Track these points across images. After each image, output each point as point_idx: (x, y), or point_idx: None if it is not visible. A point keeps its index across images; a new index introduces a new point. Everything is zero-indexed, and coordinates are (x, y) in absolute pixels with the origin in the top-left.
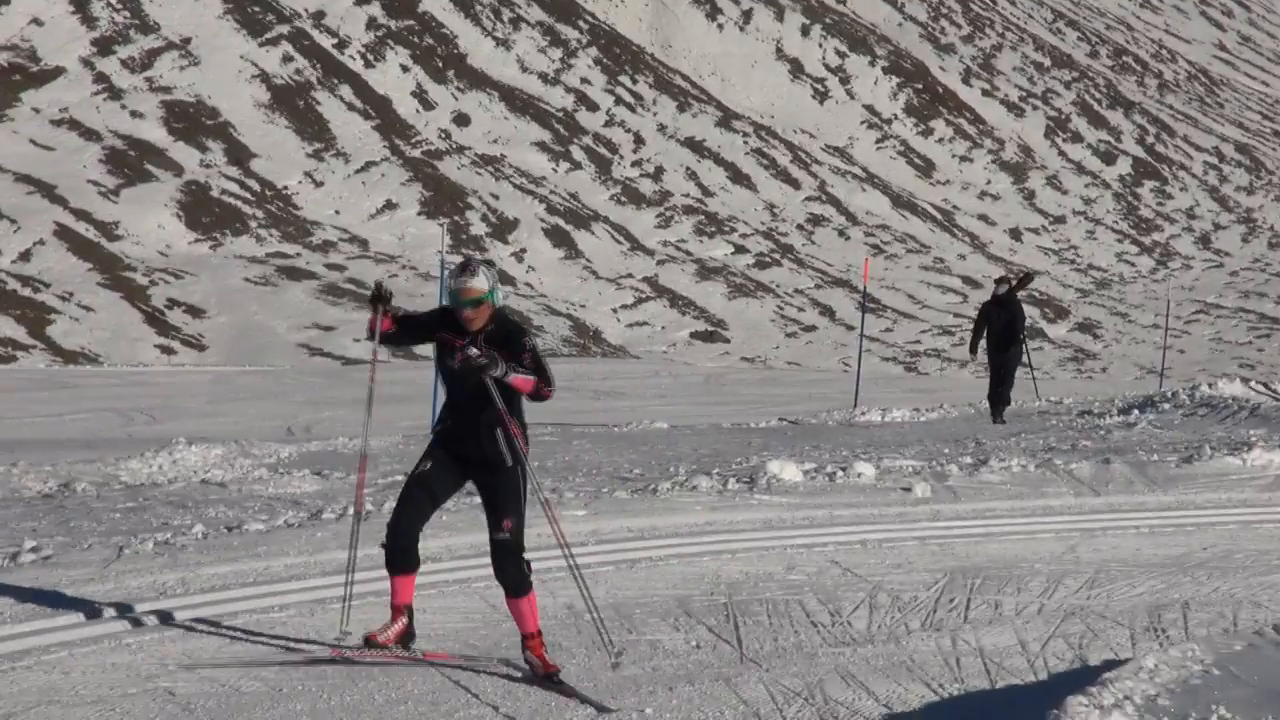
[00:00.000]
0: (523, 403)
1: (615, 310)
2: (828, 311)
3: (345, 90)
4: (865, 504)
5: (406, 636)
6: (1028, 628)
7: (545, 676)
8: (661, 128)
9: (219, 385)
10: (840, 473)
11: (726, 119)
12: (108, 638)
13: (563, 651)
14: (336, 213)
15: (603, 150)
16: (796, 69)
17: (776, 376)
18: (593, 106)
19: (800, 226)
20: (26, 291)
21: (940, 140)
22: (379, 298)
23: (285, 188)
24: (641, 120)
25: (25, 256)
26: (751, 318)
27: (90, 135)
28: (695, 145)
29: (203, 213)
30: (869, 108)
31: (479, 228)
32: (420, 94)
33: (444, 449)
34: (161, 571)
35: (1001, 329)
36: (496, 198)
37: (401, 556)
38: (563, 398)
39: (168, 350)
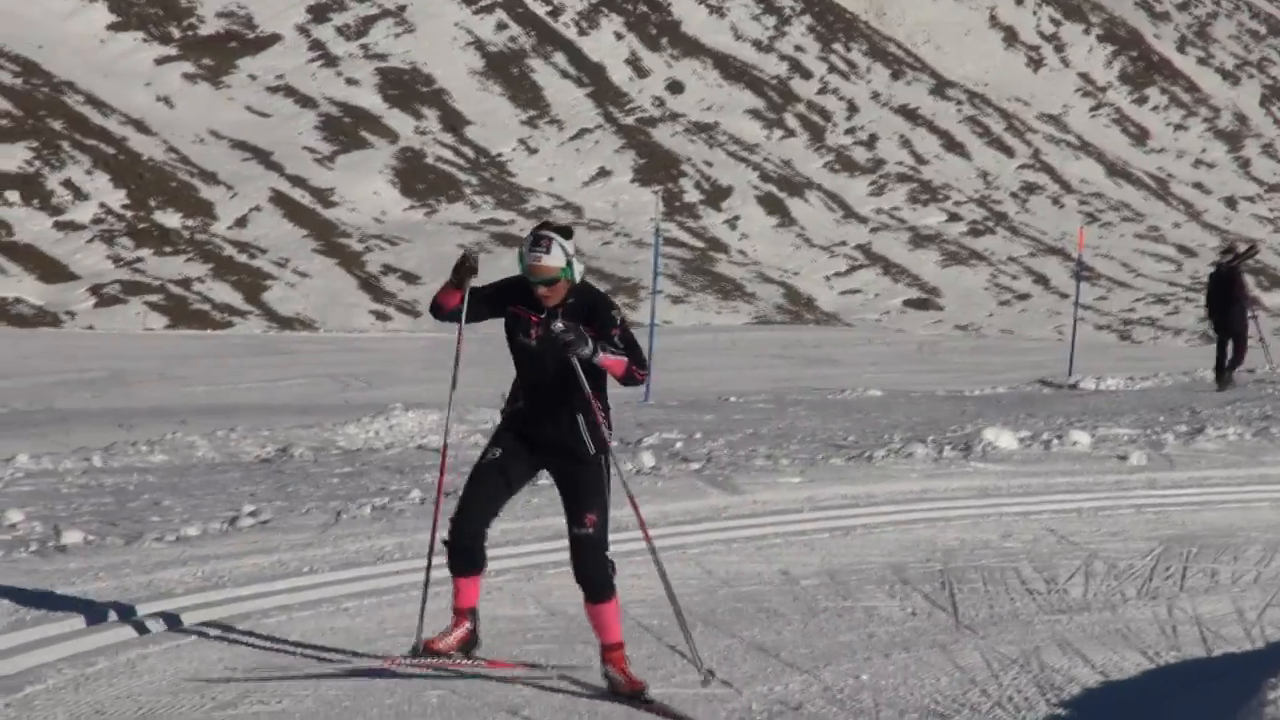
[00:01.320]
0: (608, 383)
1: (828, 278)
2: (1041, 280)
3: (559, 58)
4: (1081, 472)
5: (469, 643)
6: (1245, 596)
7: (630, 694)
8: (875, 95)
9: (433, 351)
10: (1055, 441)
11: (940, 87)
12: (326, 602)
13: (779, 617)
14: (550, 180)
15: (816, 118)
16: (1010, 37)
17: (989, 344)
18: (806, 74)
19: (1014, 194)
20: (243, 257)
21: (1155, 108)
22: (467, 268)
23: (499, 155)
24: (855, 88)
25: (241, 222)
26: (964, 286)
27: (306, 102)
28: (909, 113)
29: (417, 179)
30: (1083, 75)
31: (692, 195)
32: (634, 61)
33: (515, 433)
34: (379, 536)
35: (1222, 298)
36: (710, 165)
37: (465, 556)
38: (775, 365)
39: (382, 316)
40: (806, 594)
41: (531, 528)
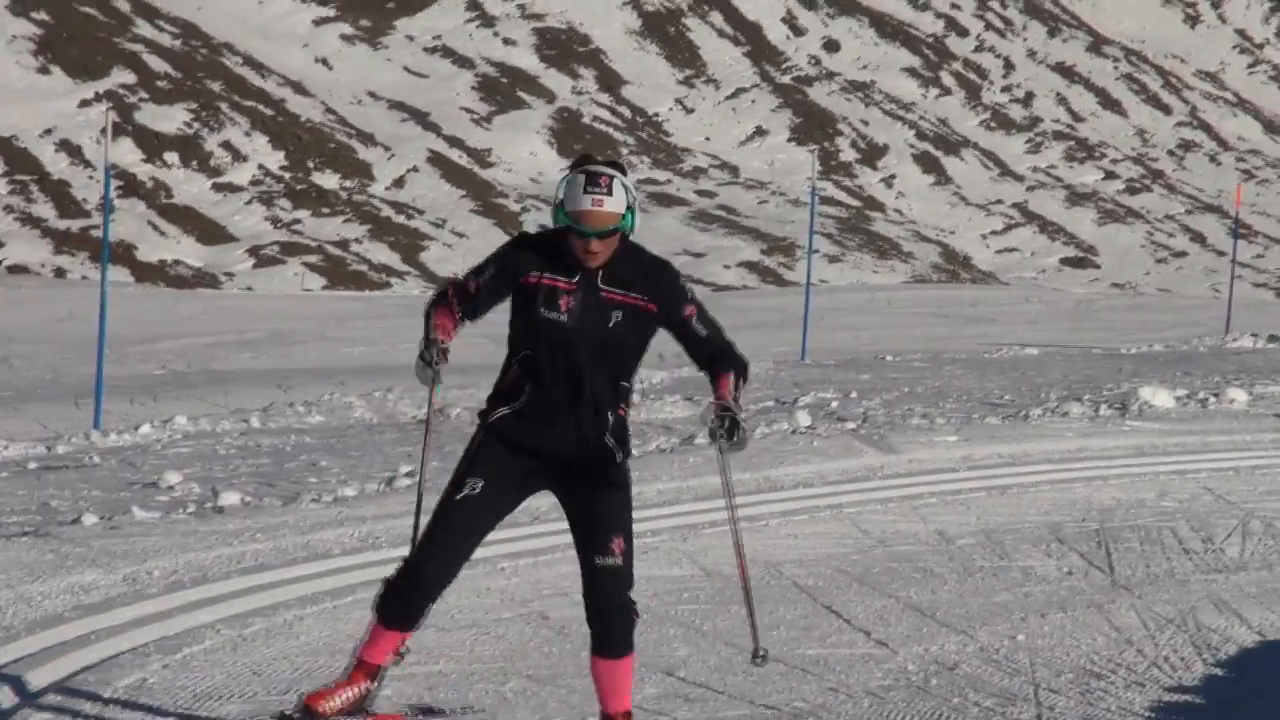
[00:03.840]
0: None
1: (984, 236)
2: (1198, 238)
3: (715, 17)
4: (1238, 430)
5: (361, 703)
6: None
7: None
8: (1031, 53)
9: None
10: (1213, 399)
11: (1096, 44)
12: (483, 562)
13: (934, 577)
14: (707, 139)
15: (972, 76)
16: None
17: (1147, 303)
18: (962, 32)
19: (1171, 152)
20: (400, 218)
21: None
22: (432, 361)
23: (656, 114)
24: (1011, 45)
25: (399, 183)
26: (1121, 244)
27: (463, 63)
28: (1065, 70)
29: (574, 139)
30: (1240, 32)
31: (848, 154)
32: (790, 20)
33: (509, 447)
34: (537, 497)
35: None
36: (866, 124)
37: (410, 609)
38: (932, 323)
39: None
40: (962, 554)
41: (688, 486)
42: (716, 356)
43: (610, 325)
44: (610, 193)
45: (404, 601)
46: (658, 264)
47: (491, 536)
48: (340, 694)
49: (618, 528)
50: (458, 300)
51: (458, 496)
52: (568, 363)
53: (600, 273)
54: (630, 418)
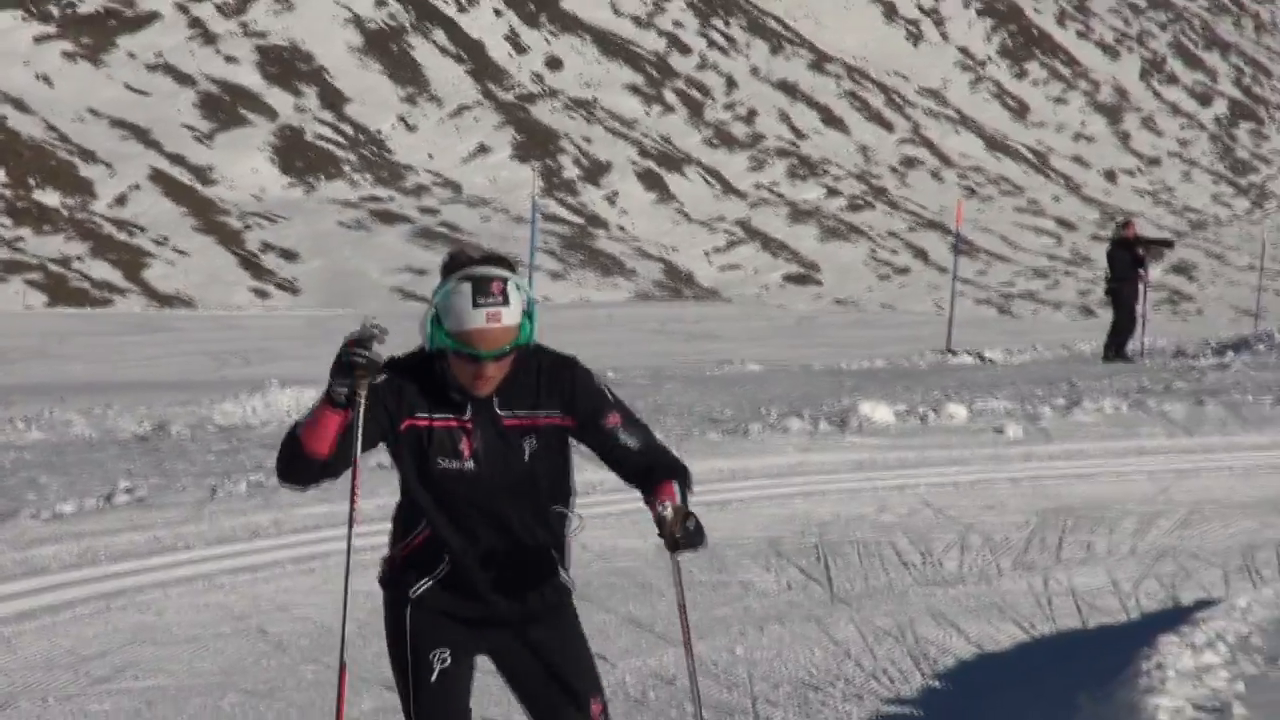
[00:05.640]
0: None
1: (707, 253)
2: (921, 254)
3: (439, 35)
4: (957, 445)
5: None
6: (1120, 568)
7: None
8: (754, 70)
9: (312, 329)
10: (932, 414)
11: (819, 62)
12: (201, 578)
13: (653, 591)
14: (430, 156)
15: (695, 93)
16: (890, 11)
17: (869, 319)
18: (685, 50)
19: (893, 169)
20: (122, 235)
21: (1034, 82)
22: (364, 364)
23: (378, 132)
24: (734, 63)
25: (121, 201)
26: (844, 260)
27: (184, 80)
28: (788, 88)
29: (296, 157)
30: (963, 50)
31: (571, 171)
32: (513, 38)
33: (443, 615)
34: (255, 513)
35: (1120, 275)
36: (589, 141)
37: None
38: (655, 340)
39: (261, 294)
40: (681, 568)
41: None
42: (653, 469)
43: (526, 459)
44: (506, 301)
45: None
46: (561, 365)
47: (211, 552)
48: None
49: (592, 686)
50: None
51: (433, 678)
52: (487, 516)
53: (495, 399)
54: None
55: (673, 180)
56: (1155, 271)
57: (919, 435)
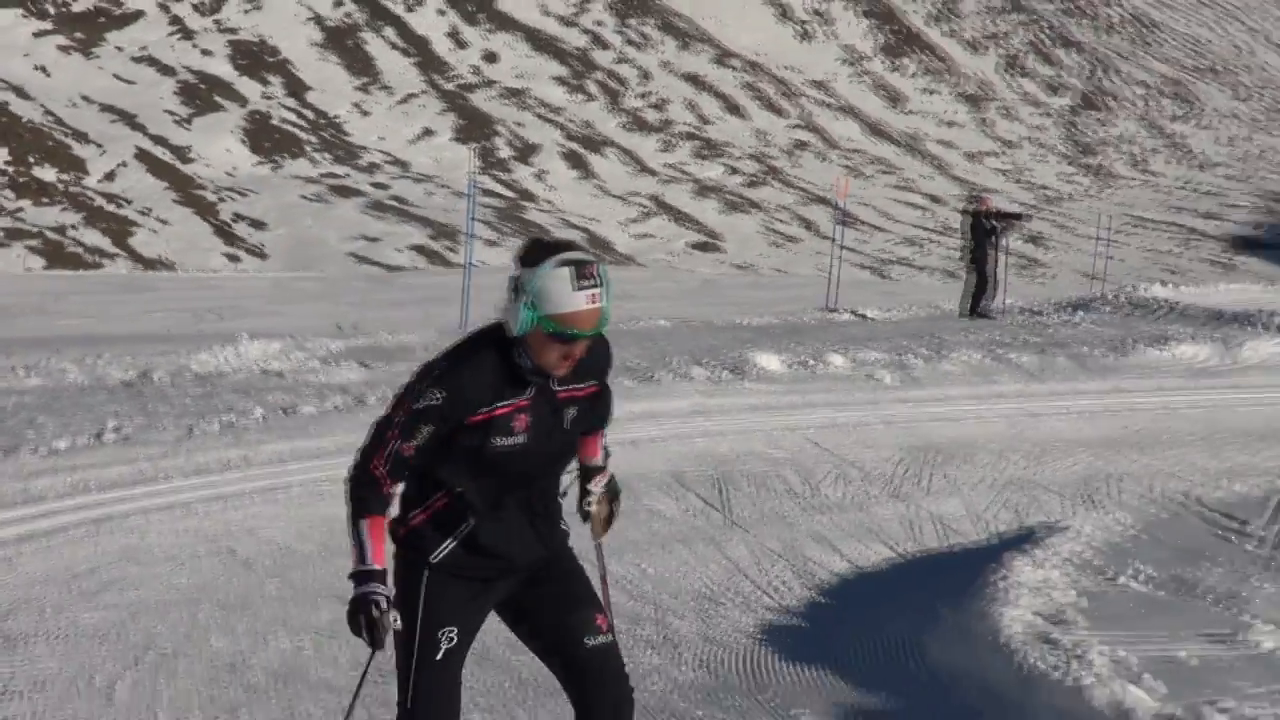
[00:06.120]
0: None
1: (624, 224)
2: (809, 225)
3: (389, 31)
4: (839, 391)
5: None
6: (977, 497)
7: None
8: (665, 64)
9: (278, 289)
10: (818, 364)
11: (722, 56)
12: (179, 506)
13: (571, 518)
14: (381, 139)
15: (614, 84)
16: (783, 12)
17: (763, 281)
18: (605, 46)
19: (786, 151)
20: (111, 207)
21: (909, 75)
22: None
23: (336, 116)
24: (648, 58)
25: (110, 176)
26: (742, 230)
27: (166, 71)
28: (694, 80)
29: (264, 138)
30: (847, 47)
31: (505, 151)
32: (455, 35)
33: (460, 578)
34: (226, 449)
35: (979, 243)
36: (521, 125)
37: None
38: None
39: (233, 258)
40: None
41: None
42: (598, 444)
43: (566, 427)
44: (602, 283)
45: None
46: (599, 340)
47: (187, 483)
48: None
49: (595, 603)
50: (390, 479)
51: (438, 656)
52: (518, 478)
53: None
54: None
55: (593, 160)
56: (1011, 240)
57: (806, 382)
